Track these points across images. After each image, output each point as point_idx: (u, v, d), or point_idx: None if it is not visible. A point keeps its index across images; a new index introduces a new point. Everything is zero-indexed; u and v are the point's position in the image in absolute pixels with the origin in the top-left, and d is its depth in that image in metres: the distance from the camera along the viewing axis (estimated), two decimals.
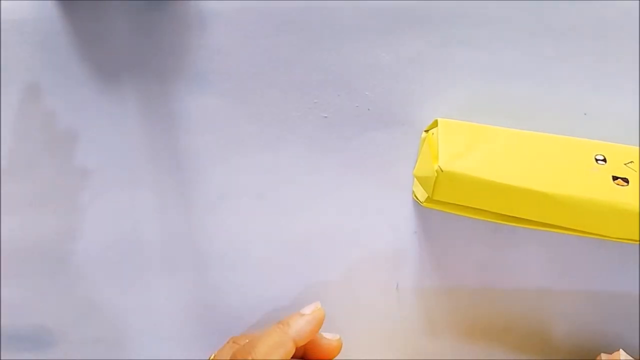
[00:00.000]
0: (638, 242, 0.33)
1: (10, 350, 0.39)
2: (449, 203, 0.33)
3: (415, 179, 0.36)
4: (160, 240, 0.38)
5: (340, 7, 0.36)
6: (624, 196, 0.30)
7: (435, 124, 0.34)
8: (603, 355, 0.35)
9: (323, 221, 0.38)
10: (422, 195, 0.35)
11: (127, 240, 0.38)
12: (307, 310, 0.34)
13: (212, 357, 0.35)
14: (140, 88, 0.37)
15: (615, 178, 0.31)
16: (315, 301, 0.35)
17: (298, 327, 0.33)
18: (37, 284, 0.39)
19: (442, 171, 0.31)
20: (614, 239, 0.33)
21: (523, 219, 0.32)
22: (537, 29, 0.36)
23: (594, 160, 0.31)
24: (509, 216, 0.32)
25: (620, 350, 0.34)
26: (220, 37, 0.37)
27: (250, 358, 0.31)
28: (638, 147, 0.33)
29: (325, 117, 0.37)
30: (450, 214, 0.36)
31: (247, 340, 0.34)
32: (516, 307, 0.38)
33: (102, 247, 0.38)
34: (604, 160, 0.31)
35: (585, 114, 0.36)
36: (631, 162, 0.31)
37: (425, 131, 0.36)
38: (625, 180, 0.31)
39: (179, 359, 0.39)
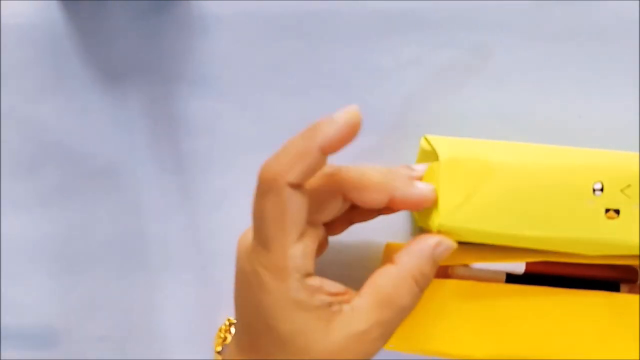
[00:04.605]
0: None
1: (13, 349, 0.39)
2: None
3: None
4: (164, 240, 0.39)
5: (340, 11, 0.37)
6: (612, 231, 0.31)
7: (433, 153, 0.33)
8: None
9: None
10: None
11: (131, 239, 0.39)
12: (340, 114, 0.27)
13: None
14: (144, 91, 0.38)
15: (607, 210, 0.31)
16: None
17: (327, 134, 0.26)
18: (40, 283, 0.39)
19: (442, 227, 0.31)
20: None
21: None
22: (534, 32, 0.37)
23: (592, 191, 0.31)
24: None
25: None
26: (222, 41, 0.37)
27: (271, 171, 0.27)
28: (635, 169, 0.31)
29: None
30: None
31: None
32: None
33: (106, 247, 0.39)
34: (602, 189, 0.31)
35: (579, 117, 0.37)
36: (628, 186, 0.31)
37: (425, 139, 0.35)
38: (617, 211, 0.31)
39: (182, 358, 0.39)
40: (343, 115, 0.27)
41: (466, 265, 0.34)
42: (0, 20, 0.38)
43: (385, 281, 0.29)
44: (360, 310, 0.28)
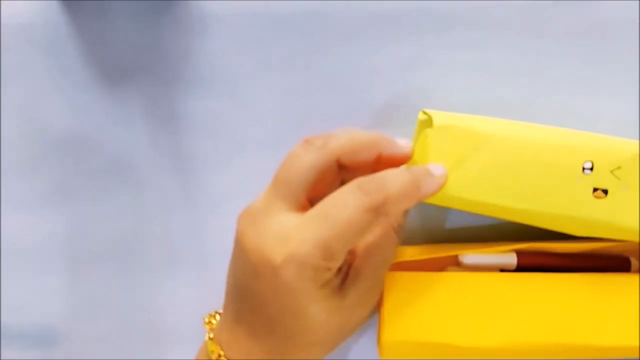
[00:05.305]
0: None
1: (13, 349, 0.39)
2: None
3: None
4: (164, 239, 0.39)
5: (340, 11, 0.37)
6: (598, 211, 0.31)
7: (429, 121, 0.33)
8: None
9: None
10: None
11: (131, 240, 0.39)
12: (438, 171, 0.31)
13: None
14: (144, 90, 0.38)
15: (595, 190, 0.31)
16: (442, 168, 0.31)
17: (428, 189, 0.30)
18: (40, 283, 0.39)
19: None
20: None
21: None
22: (534, 30, 0.37)
23: (581, 170, 0.31)
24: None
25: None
26: (222, 41, 0.37)
27: (382, 197, 0.28)
28: (629, 153, 0.32)
29: (325, 119, 0.38)
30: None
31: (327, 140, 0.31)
32: None
33: (106, 246, 0.39)
34: (591, 169, 0.31)
35: (579, 116, 0.37)
36: (619, 167, 0.31)
37: (423, 112, 0.34)
38: (605, 191, 0.31)
39: (182, 358, 0.39)
40: (440, 174, 0.31)
41: (459, 261, 0.34)
42: (0, 20, 0.38)
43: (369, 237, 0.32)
44: (359, 269, 0.31)
